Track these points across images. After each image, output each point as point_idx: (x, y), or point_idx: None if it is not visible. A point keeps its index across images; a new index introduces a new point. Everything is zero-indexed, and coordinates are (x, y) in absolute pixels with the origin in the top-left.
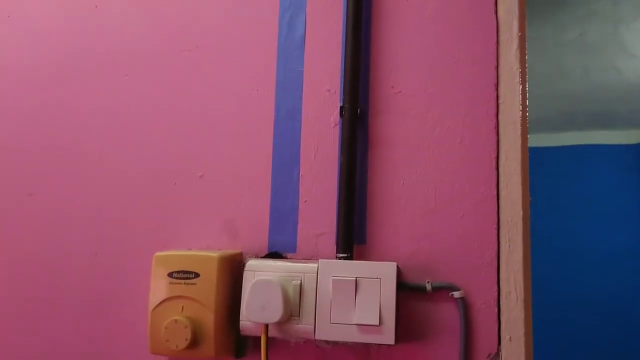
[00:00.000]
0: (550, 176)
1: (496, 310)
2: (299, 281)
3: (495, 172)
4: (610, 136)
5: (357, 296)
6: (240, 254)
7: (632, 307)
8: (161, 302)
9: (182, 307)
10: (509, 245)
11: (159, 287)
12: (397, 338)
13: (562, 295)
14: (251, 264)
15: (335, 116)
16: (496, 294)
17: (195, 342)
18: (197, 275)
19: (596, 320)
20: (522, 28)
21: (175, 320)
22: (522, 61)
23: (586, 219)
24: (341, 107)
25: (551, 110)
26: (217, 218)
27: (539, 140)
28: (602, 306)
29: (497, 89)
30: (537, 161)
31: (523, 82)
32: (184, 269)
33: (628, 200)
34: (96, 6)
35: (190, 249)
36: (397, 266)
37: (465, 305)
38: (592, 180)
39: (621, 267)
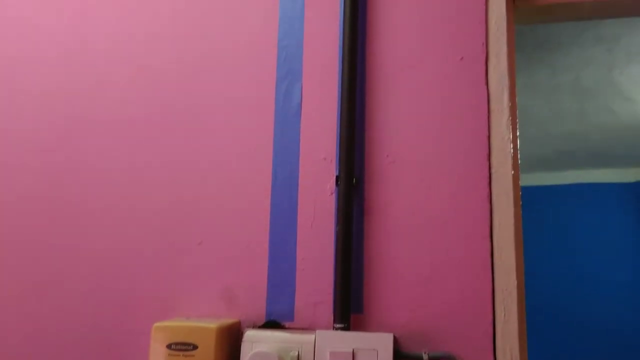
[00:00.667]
0: (549, 214)
1: None
2: (297, 352)
3: (489, 242)
4: (608, 174)
5: None
6: (239, 323)
7: (634, 344)
8: None
9: None
10: (504, 315)
11: (158, 359)
12: None
13: (561, 331)
14: (249, 334)
15: (331, 184)
16: None
17: None
18: (195, 347)
19: (594, 356)
20: (512, 99)
21: None
22: (514, 130)
23: (585, 257)
24: (337, 177)
25: (549, 150)
26: (216, 285)
27: (537, 179)
28: (602, 343)
29: (489, 159)
30: (535, 200)
31: (515, 151)
32: (183, 341)
33: (626, 238)
34: (95, 64)
35: (190, 317)
36: (394, 336)
37: None
38: (591, 217)
39: (620, 303)
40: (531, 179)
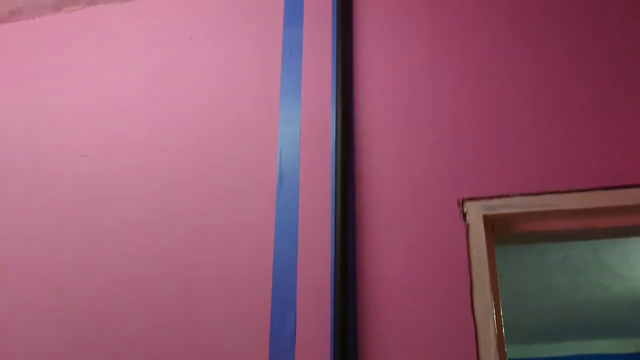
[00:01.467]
0: None
1: None
2: None
3: None
4: (608, 345)
5: None
6: None
7: None
8: None
9: None
10: None
11: None
12: None
13: None
14: None
15: None
16: None
17: None
18: None
19: None
20: (499, 327)
21: None
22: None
23: None
24: None
25: (545, 322)
26: None
27: (534, 351)
28: None
29: None
30: None
31: None
32: None
33: None
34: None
35: None
36: None
37: None
38: None
39: None
40: (528, 351)
